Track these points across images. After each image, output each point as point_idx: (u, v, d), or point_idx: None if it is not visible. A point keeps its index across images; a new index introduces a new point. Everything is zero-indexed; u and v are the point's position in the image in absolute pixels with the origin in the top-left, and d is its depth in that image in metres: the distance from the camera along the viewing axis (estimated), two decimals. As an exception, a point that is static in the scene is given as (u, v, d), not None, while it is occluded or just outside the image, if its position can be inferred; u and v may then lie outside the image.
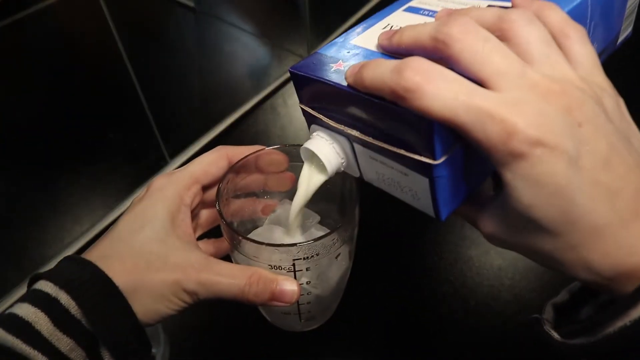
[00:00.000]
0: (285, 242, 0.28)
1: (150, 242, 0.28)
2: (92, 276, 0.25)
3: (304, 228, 0.34)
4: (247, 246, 0.29)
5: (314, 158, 0.28)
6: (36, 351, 0.23)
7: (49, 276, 0.26)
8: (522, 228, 0.21)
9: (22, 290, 0.51)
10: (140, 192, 0.31)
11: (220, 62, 0.87)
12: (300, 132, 0.70)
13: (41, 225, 0.58)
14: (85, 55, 0.82)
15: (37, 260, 0.53)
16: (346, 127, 0.25)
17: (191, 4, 0.99)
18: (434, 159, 0.21)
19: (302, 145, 0.27)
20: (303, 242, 0.27)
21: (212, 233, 0.35)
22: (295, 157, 0.33)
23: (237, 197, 0.35)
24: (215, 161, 0.32)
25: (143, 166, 0.65)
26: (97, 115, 0.74)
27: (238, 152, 0.33)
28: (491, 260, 0.52)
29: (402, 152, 0.22)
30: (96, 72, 0.81)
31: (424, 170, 0.22)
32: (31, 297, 0.25)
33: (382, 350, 0.47)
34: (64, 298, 0.25)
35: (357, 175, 0.27)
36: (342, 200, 0.35)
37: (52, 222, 0.58)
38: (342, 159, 0.27)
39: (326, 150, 0.26)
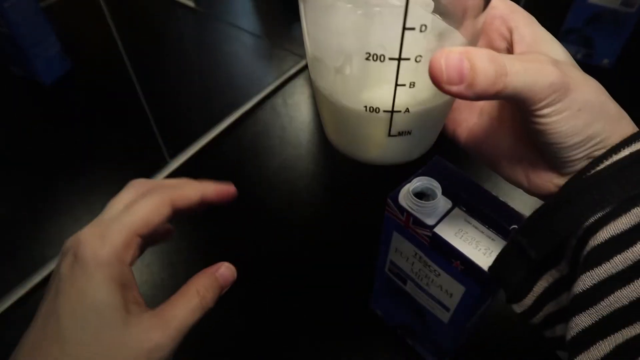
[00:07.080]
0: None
1: (112, 341, 0.24)
2: None
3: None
4: None
5: None
6: None
7: None
8: None
9: (23, 290, 0.51)
10: (64, 258, 0.25)
11: (220, 62, 0.87)
12: (300, 132, 0.70)
13: (41, 225, 0.58)
14: (85, 55, 0.82)
15: (37, 260, 0.53)
16: None
17: (191, 4, 0.99)
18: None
19: None
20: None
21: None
22: None
23: None
24: (157, 209, 0.28)
25: (143, 166, 0.65)
26: (97, 115, 0.74)
27: (183, 195, 0.29)
28: (491, 260, 0.51)
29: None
30: (96, 72, 0.81)
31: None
32: None
33: (381, 348, 0.47)
34: None
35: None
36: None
37: (52, 222, 0.58)
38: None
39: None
